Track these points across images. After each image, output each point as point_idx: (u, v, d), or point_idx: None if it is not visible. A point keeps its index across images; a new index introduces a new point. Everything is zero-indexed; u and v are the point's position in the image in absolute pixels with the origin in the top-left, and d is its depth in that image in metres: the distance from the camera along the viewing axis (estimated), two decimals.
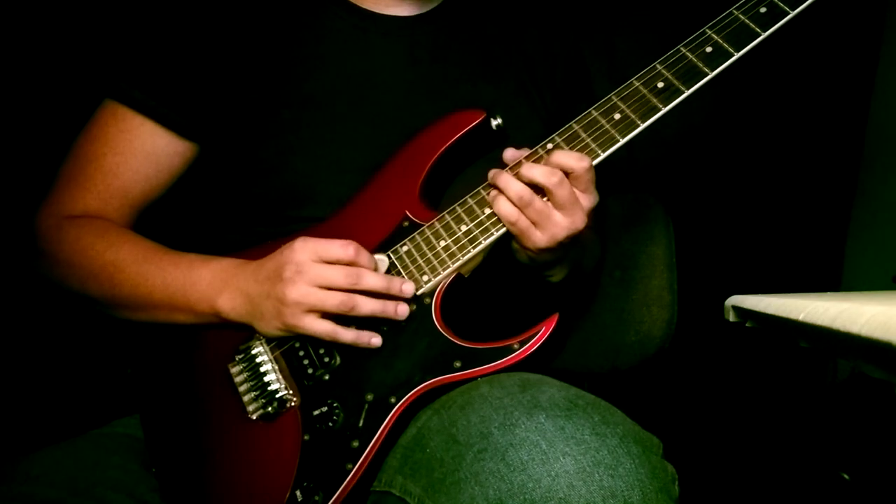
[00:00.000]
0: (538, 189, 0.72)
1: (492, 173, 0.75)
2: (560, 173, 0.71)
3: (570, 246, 0.76)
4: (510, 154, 0.77)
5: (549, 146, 0.76)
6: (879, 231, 1.66)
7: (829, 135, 1.65)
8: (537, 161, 0.75)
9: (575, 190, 0.72)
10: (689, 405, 1.68)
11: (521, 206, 0.72)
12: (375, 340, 0.73)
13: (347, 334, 0.73)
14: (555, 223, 0.73)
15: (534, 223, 0.73)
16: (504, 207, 0.73)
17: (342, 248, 0.72)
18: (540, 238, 0.73)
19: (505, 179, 0.73)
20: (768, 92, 1.60)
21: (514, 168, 0.75)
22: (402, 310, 0.74)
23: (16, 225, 0.89)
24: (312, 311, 0.72)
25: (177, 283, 0.78)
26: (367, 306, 0.72)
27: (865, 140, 1.67)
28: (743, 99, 1.59)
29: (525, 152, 0.76)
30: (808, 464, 1.50)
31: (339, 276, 0.71)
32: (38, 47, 1.20)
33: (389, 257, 0.77)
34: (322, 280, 0.71)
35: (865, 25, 1.62)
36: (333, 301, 0.71)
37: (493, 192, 0.75)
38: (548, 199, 0.72)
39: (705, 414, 1.69)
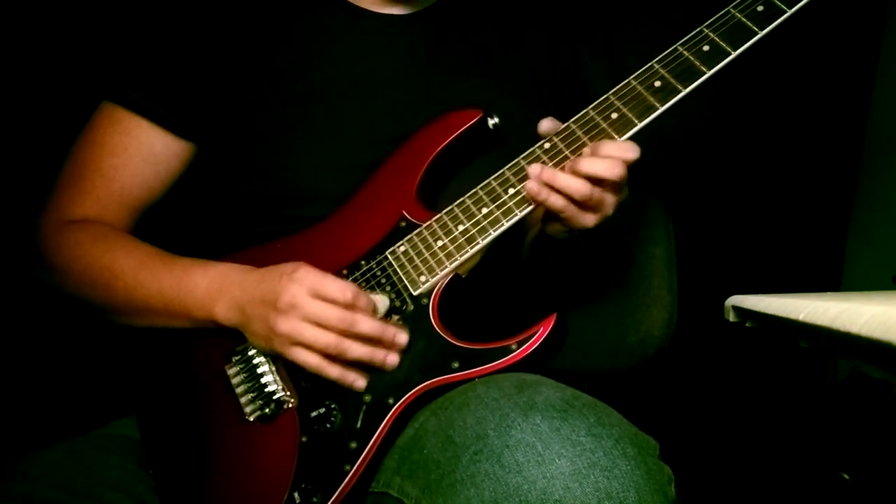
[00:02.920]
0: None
1: (539, 173, 0.72)
2: (617, 162, 0.71)
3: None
4: (546, 125, 0.76)
5: (546, 146, 0.76)
6: (879, 231, 1.66)
7: (829, 135, 1.65)
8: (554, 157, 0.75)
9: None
10: (689, 405, 1.68)
11: (580, 200, 0.72)
12: (359, 383, 0.72)
13: (333, 371, 0.71)
14: (607, 205, 0.74)
15: (588, 209, 0.73)
16: (558, 202, 0.72)
17: (340, 290, 0.70)
18: (591, 219, 0.74)
19: (560, 176, 0.71)
20: (769, 91, 1.60)
21: (564, 139, 0.75)
22: (392, 360, 0.72)
23: (18, 229, 0.89)
24: (301, 344, 0.71)
25: (172, 290, 0.78)
26: (356, 352, 0.71)
27: (865, 140, 1.67)
28: (743, 98, 1.59)
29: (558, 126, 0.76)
30: (808, 464, 1.50)
31: (333, 317, 0.70)
32: (35, 52, 1.20)
33: (391, 297, 0.76)
34: (315, 317, 0.70)
35: (865, 25, 1.61)
36: (323, 342, 0.70)
37: (536, 186, 0.72)
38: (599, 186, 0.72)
39: (705, 414, 1.68)
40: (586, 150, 0.74)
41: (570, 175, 0.71)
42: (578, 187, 0.71)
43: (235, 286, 0.75)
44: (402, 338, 0.73)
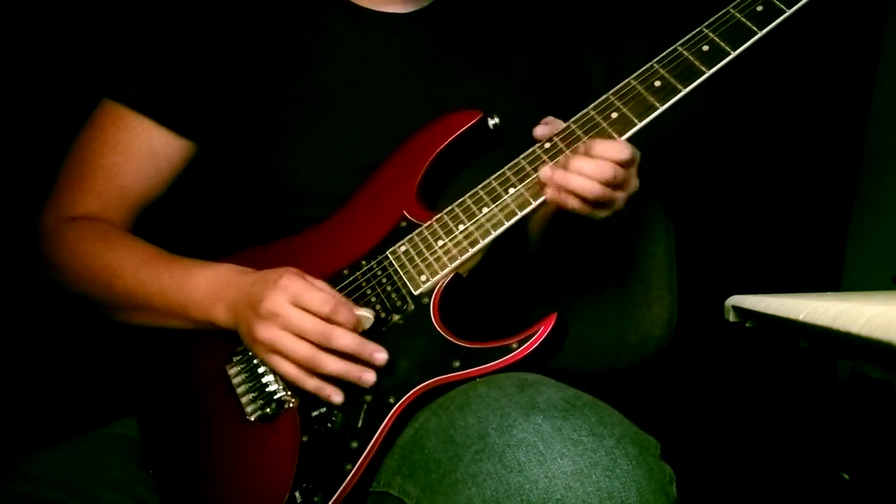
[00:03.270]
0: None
1: (551, 175, 0.73)
2: (612, 166, 0.71)
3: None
4: (541, 130, 0.77)
5: (547, 145, 0.76)
6: (879, 231, 1.66)
7: (829, 135, 1.65)
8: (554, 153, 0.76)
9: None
10: (689, 405, 1.68)
11: (594, 201, 0.72)
12: (336, 398, 0.71)
13: (311, 383, 0.71)
14: (619, 199, 0.75)
15: (601, 207, 0.74)
16: (575, 203, 0.73)
17: (321, 302, 0.70)
18: (603, 213, 0.75)
19: (573, 179, 0.72)
20: (769, 91, 1.60)
21: (565, 138, 0.76)
22: (368, 378, 0.71)
23: (18, 226, 0.89)
24: (279, 353, 0.71)
25: (173, 290, 0.78)
26: (332, 367, 0.70)
27: (865, 140, 1.67)
28: (743, 99, 1.59)
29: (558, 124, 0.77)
30: (808, 464, 1.50)
31: (311, 328, 0.69)
32: (37, 49, 1.20)
33: (379, 308, 0.75)
34: (294, 327, 0.70)
35: (865, 25, 1.61)
36: (300, 353, 0.70)
37: (553, 191, 0.73)
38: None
39: (705, 414, 1.68)
40: (581, 147, 0.74)
41: (583, 177, 0.71)
42: (592, 189, 0.71)
43: (232, 288, 0.75)
44: (381, 356, 0.71)
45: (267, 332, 0.70)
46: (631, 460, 0.56)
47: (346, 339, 0.70)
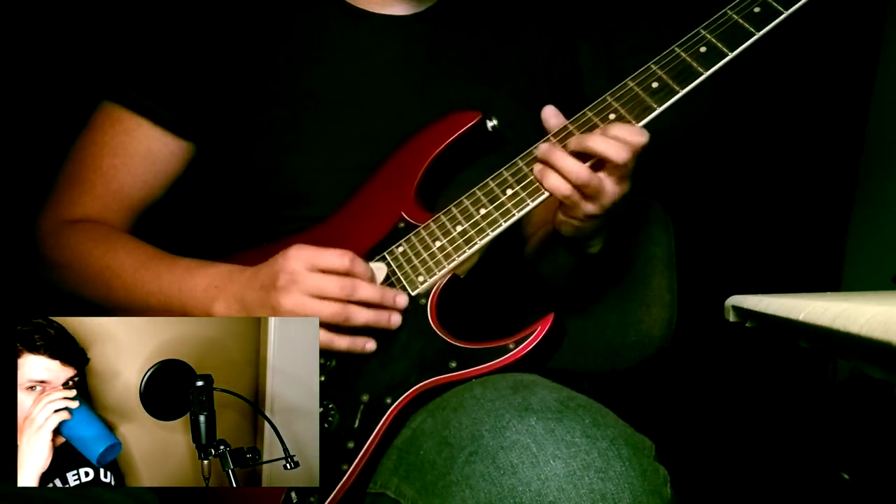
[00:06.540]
0: (585, 157, 0.72)
1: (543, 149, 0.74)
2: (624, 146, 0.71)
3: (615, 210, 0.76)
4: (551, 117, 0.77)
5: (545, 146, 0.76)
6: (879, 231, 1.66)
7: (829, 135, 1.65)
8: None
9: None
10: (689, 405, 1.68)
11: (578, 184, 0.72)
12: (370, 346, 0.73)
13: (342, 342, 0.72)
14: (607, 193, 0.73)
15: (587, 197, 0.73)
16: (555, 182, 0.72)
17: (338, 258, 0.71)
18: (591, 208, 0.74)
19: (560, 157, 0.72)
20: (769, 92, 1.60)
21: (562, 139, 0.75)
22: (396, 319, 0.73)
23: (18, 227, 0.89)
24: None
25: (172, 290, 0.77)
26: (362, 317, 0.71)
27: (865, 140, 1.67)
28: (743, 98, 1.59)
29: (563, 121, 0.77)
30: (808, 464, 1.50)
31: (333, 286, 0.70)
32: (36, 51, 1.20)
33: (389, 264, 0.77)
34: (316, 290, 0.70)
35: (865, 25, 1.61)
36: (328, 311, 0.70)
37: (539, 168, 0.74)
38: (601, 171, 0.72)
39: (705, 414, 1.68)
40: (597, 130, 0.73)
41: (571, 158, 0.72)
42: (577, 171, 0.71)
43: (233, 283, 0.75)
44: (402, 299, 0.74)
45: (290, 300, 0.69)
46: (624, 462, 0.56)
47: (369, 290, 0.72)
